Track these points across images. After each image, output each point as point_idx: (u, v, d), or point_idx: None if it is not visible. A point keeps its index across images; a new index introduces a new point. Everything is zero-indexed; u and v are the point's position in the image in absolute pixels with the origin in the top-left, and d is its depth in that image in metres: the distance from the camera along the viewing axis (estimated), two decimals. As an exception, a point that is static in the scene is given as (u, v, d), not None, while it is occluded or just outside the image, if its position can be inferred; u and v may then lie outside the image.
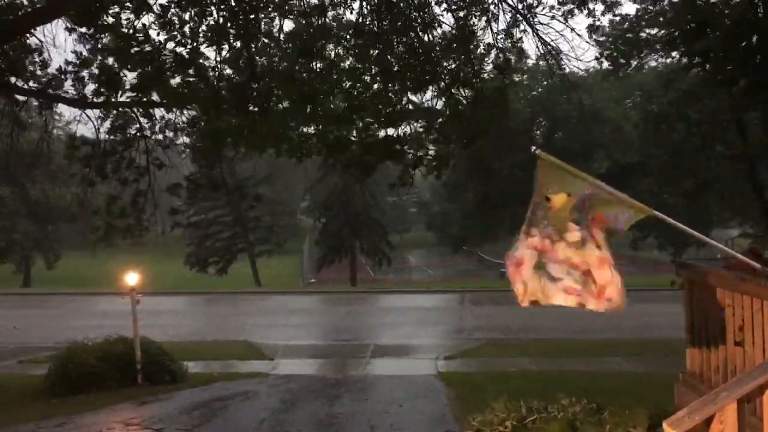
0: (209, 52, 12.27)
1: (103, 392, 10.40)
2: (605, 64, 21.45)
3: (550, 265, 5.07)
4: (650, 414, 5.31)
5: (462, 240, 47.00)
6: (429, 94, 13.59)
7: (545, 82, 36.63)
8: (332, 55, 12.61)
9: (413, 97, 13.62)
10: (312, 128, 12.79)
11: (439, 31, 13.12)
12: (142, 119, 14.10)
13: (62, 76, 13.29)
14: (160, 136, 14.55)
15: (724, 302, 6.04)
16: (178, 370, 11.95)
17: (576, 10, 13.85)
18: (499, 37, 13.76)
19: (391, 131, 13.22)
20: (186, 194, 15.15)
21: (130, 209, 14.25)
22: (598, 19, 14.98)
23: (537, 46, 14.47)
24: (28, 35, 12.61)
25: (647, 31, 20.32)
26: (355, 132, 13.23)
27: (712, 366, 6.34)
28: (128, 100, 13.10)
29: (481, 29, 13.47)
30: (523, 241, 5.20)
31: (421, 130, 13.85)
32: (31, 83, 13.59)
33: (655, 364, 12.40)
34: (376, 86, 12.79)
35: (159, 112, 14.12)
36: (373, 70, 12.69)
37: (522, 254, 5.15)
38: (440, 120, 13.51)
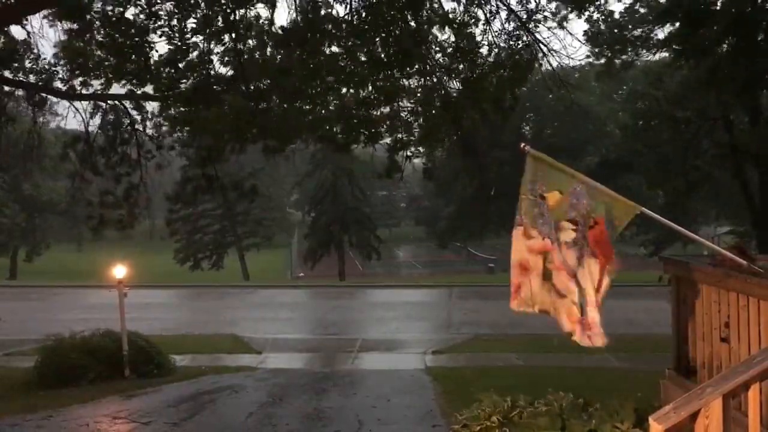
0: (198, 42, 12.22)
1: (91, 385, 10.37)
2: (597, 61, 21.50)
3: (555, 274, 5.13)
4: (637, 409, 5.34)
5: (450, 235, 47.06)
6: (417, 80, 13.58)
7: (534, 78, 36.64)
8: (323, 46, 12.54)
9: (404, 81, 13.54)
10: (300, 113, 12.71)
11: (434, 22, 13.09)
12: (132, 112, 14.04)
13: (51, 68, 13.21)
14: (152, 131, 14.51)
15: (710, 298, 6.08)
16: (165, 364, 11.93)
17: (571, 15, 13.93)
18: (499, 36, 13.76)
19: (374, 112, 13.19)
20: (188, 194, 14.99)
21: (123, 202, 14.19)
22: (596, 21, 15.11)
23: (528, 43, 14.43)
24: (13, 26, 12.52)
25: (638, 28, 20.39)
26: (333, 107, 13.18)
27: (698, 362, 6.39)
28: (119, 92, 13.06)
29: (480, 30, 13.45)
30: (520, 242, 5.23)
31: (406, 114, 13.81)
32: (20, 75, 13.51)
33: (641, 360, 12.49)
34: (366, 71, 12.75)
35: (150, 106, 14.07)
36: (363, 58, 12.65)
37: (524, 260, 5.20)
38: (423, 106, 13.47)
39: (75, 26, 12.25)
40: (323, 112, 12.98)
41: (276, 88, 11.91)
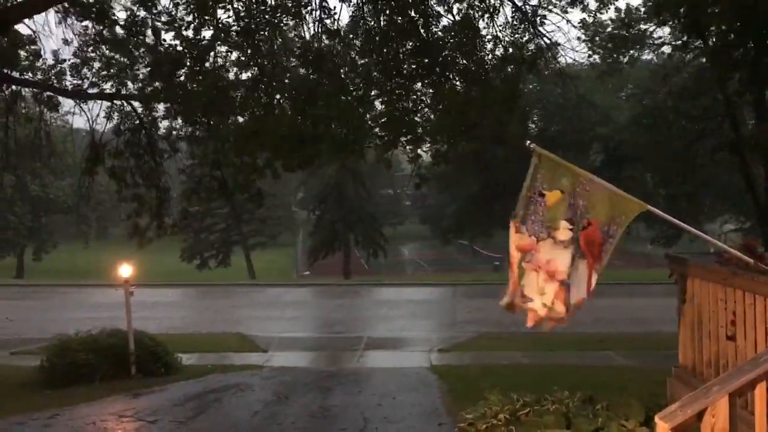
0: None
1: (97, 384, 10.38)
2: (598, 59, 21.51)
3: (528, 275, 5.20)
4: (643, 407, 5.33)
5: (455, 233, 46.95)
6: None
7: (540, 74, 36.53)
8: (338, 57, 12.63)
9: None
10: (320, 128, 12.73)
11: (441, 25, 13.12)
12: (140, 111, 14.03)
13: (60, 66, 13.25)
14: (163, 130, 14.54)
15: (716, 296, 6.07)
16: (172, 363, 11.94)
17: (570, 7, 13.91)
18: (502, 32, 13.75)
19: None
20: (201, 195, 14.97)
21: (155, 207, 14.14)
22: (592, 14, 15.07)
23: (533, 37, 14.38)
24: (22, 25, 12.58)
25: (640, 26, 20.38)
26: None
27: (704, 360, 6.38)
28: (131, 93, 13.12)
29: (483, 25, 13.44)
30: (512, 236, 5.30)
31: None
32: (28, 74, 13.56)
33: (647, 358, 12.47)
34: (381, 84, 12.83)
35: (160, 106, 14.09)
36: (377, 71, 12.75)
37: (512, 254, 5.30)
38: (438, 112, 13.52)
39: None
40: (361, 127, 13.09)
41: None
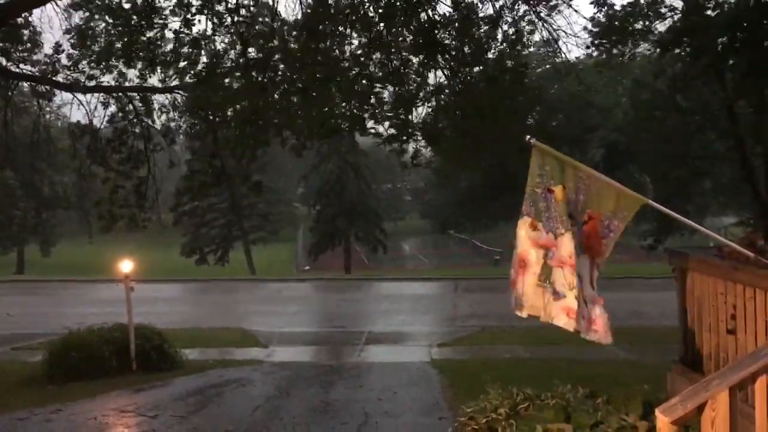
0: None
1: (99, 379, 10.40)
2: (597, 52, 21.40)
3: (555, 272, 5.07)
4: (643, 401, 5.34)
5: (453, 227, 46.95)
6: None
7: (539, 70, 36.46)
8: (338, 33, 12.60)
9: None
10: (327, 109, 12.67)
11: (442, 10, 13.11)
12: (138, 103, 14.01)
13: (57, 56, 13.25)
14: (159, 120, 14.53)
15: (716, 290, 6.07)
16: (173, 358, 11.95)
17: None
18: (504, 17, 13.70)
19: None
20: (195, 188, 14.90)
21: (133, 198, 14.13)
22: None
23: (535, 22, 14.29)
24: (21, 19, 12.58)
25: (639, 23, 20.30)
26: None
27: (704, 354, 6.39)
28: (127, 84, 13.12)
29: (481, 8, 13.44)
30: (526, 232, 5.20)
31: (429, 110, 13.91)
32: (26, 67, 13.56)
33: (647, 352, 12.48)
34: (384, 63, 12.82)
35: (157, 98, 14.08)
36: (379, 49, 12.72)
37: (526, 252, 5.16)
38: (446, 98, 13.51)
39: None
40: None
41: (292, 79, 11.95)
